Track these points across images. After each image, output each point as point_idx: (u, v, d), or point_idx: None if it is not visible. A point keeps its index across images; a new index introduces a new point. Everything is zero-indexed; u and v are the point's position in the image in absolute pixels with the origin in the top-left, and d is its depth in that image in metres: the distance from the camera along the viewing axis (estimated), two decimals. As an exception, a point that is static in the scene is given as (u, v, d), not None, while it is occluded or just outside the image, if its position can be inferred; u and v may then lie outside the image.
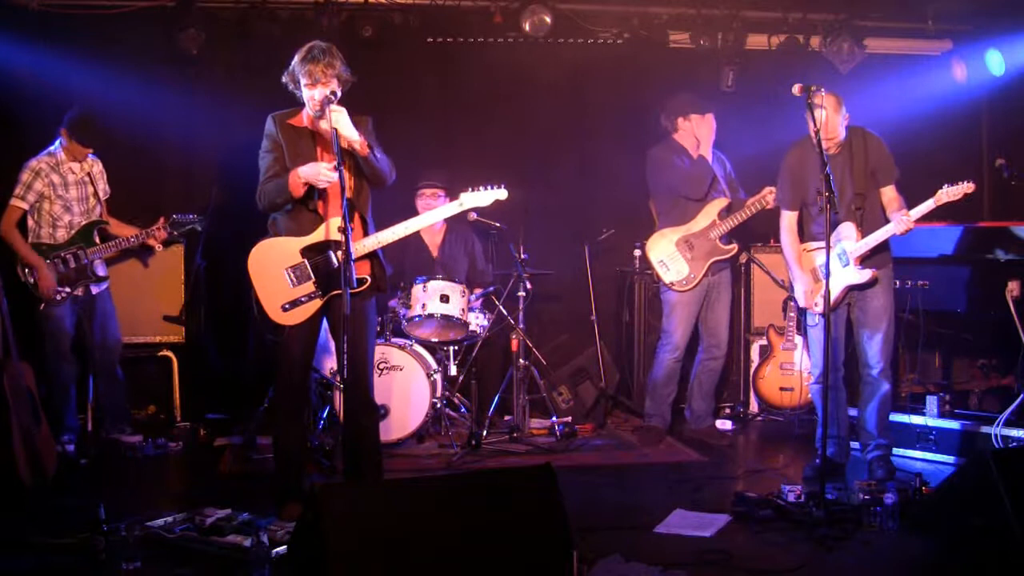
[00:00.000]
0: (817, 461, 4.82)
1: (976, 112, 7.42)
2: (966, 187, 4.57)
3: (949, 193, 4.59)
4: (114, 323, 5.69)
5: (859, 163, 4.80)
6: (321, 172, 3.96)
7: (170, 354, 6.33)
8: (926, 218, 4.75)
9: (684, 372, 6.05)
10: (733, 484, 4.80)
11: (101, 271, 5.63)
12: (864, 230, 4.77)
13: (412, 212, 6.06)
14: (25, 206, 5.38)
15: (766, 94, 6.63)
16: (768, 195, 5.60)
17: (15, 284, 5.31)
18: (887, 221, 4.77)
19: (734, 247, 5.83)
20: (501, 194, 4.34)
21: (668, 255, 5.83)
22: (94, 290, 5.58)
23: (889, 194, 4.83)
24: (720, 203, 5.79)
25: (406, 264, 6.09)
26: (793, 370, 6.23)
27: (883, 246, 4.82)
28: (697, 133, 5.83)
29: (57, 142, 5.48)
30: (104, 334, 5.64)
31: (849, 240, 4.78)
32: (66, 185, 5.47)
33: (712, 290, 5.85)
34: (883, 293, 4.84)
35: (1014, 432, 5.01)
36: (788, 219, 4.98)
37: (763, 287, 6.76)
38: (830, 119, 4.63)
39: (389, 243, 4.18)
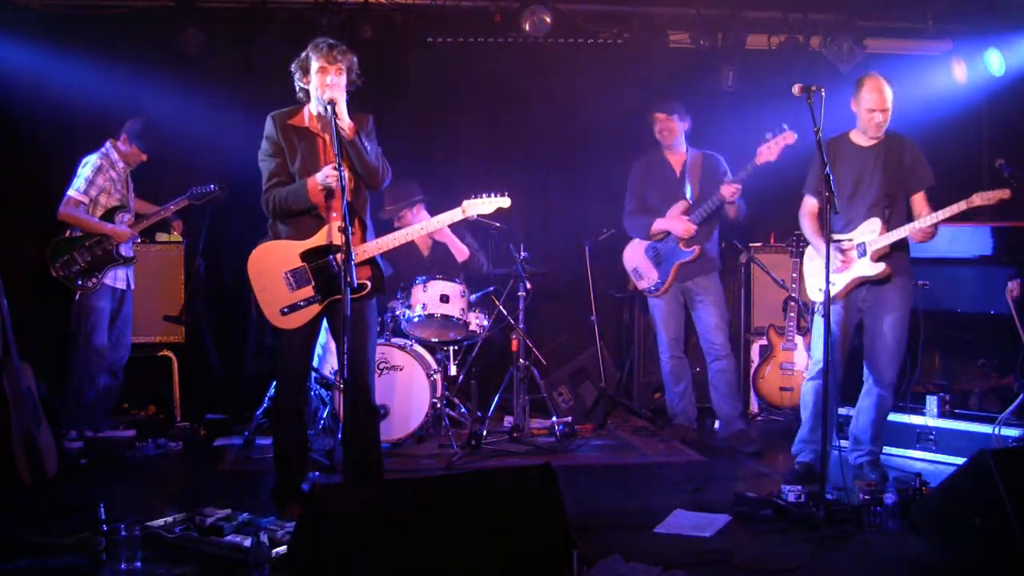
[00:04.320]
0: (795, 466, 4.88)
1: (976, 112, 7.40)
2: (1001, 193, 4.53)
3: (984, 197, 4.54)
4: (130, 328, 5.93)
5: (892, 165, 4.80)
6: (326, 174, 3.95)
7: (170, 354, 6.34)
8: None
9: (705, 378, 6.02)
10: (733, 484, 4.79)
11: (126, 252, 5.78)
12: (889, 228, 4.75)
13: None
14: (86, 199, 5.61)
15: (766, 94, 6.62)
16: (724, 191, 5.53)
17: (46, 281, 5.59)
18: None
19: (695, 250, 5.69)
20: (504, 202, 4.34)
21: (639, 263, 5.90)
22: (129, 280, 5.83)
23: (920, 204, 4.79)
24: (680, 207, 5.72)
25: (399, 265, 6.09)
26: (793, 370, 6.23)
27: (903, 253, 4.80)
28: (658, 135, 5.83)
29: (107, 145, 5.74)
30: (121, 335, 5.86)
31: (872, 233, 4.77)
32: (115, 183, 5.74)
33: (691, 294, 5.79)
34: (900, 305, 4.80)
35: (1014, 432, 5.01)
36: (808, 204, 5.00)
37: (763, 287, 6.76)
38: (883, 94, 4.73)
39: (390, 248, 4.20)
